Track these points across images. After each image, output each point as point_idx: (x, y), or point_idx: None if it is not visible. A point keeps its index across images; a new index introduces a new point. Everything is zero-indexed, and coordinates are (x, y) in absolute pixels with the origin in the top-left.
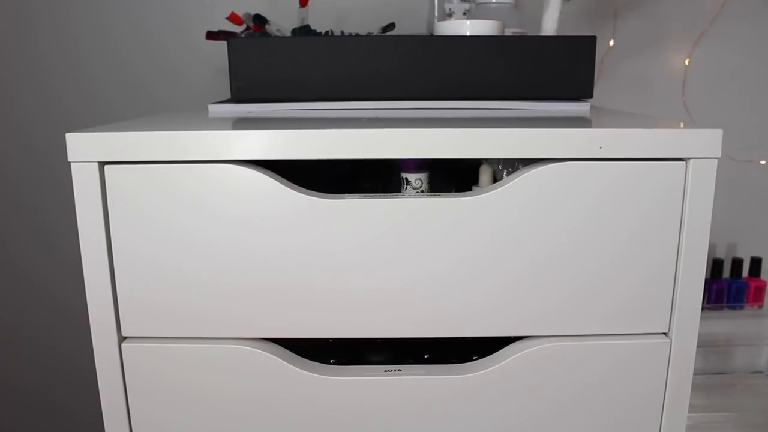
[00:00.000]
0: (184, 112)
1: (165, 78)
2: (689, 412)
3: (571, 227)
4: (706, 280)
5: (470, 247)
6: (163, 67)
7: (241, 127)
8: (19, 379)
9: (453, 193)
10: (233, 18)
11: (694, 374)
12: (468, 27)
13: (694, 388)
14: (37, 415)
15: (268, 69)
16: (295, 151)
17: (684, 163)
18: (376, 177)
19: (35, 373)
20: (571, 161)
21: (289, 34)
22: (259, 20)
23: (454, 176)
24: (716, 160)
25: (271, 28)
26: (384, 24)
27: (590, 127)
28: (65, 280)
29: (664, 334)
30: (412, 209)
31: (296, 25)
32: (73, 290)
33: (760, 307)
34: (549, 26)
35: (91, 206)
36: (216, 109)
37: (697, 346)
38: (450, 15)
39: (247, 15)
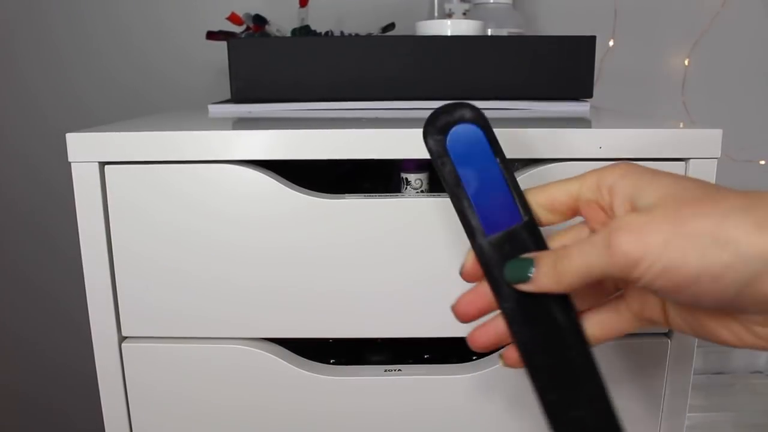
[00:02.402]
0: (184, 113)
1: (165, 79)
2: (689, 412)
3: None
4: None
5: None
6: (163, 67)
7: (241, 128)
8: (17, 380)
9: None
10: (233, 18)
11: (693, 374)
12: (449, 27)
13: (694, 388)
14: (35, 416)
15: (268, 69)
16: (295, 152)
17: (684, 163)
18: (376, 177)
19: (34, 374)
20: (570, 161)
21: (289, 34)
22: (259, 20)
23: None
24: (716, 160)
25: (271, 29)
26: (384, 24)
27: (590, 127)
28: (64, 281)
29: (664, 334)
30: (412, 209)
31: (296, 25)
32: (73, 291)
33: None
34: None
35: (91, 206)
36: (216, 110)
37: (697, 346)
38: (450, 15)
39: (247, 15)
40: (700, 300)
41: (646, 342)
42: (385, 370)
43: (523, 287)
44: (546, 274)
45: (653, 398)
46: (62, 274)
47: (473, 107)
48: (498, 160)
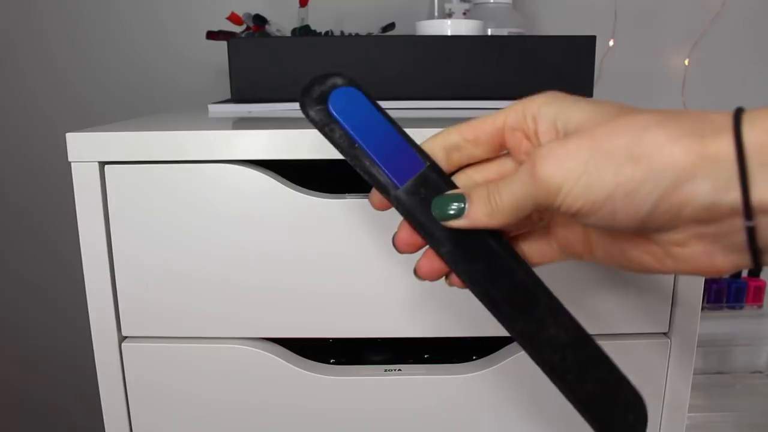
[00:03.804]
0: (185, 113)
1: (165, 79)
2: (689, 412)
3: None
4: (705, 279)
5: None
6: (163, 67)
7: (241, 127)
8: (17, 380)
9: None
10: (233, 18)
11: (693, 374)
12: (449, 27)
13: (694, 387)
14: (36, 415)
15: (268, 69)
16: (295, 151)
17: None
18: None
19: (34, 373)
20: None
21: (289, 34)
22: (259, 20)
23: None
24: None
25: (271, 28)
26: (384, 24)
27: None
28: (64, 281)
29: (664, 334)
30: None
31: (296, 25)
32: (73, 291)
33: (760, 307)
34: None
35: (91, 206)
36: (216, 109)
37: (697, 346)
38: (450, 15)
39: (247, 15)
40: (617, 218)
41: (646, 342)
42: (385, 370)
43: (457, 223)
44: (481, 210)
45: (653, 398)
46: (62, 274)
47: (343, 74)
48: (383, 115)
